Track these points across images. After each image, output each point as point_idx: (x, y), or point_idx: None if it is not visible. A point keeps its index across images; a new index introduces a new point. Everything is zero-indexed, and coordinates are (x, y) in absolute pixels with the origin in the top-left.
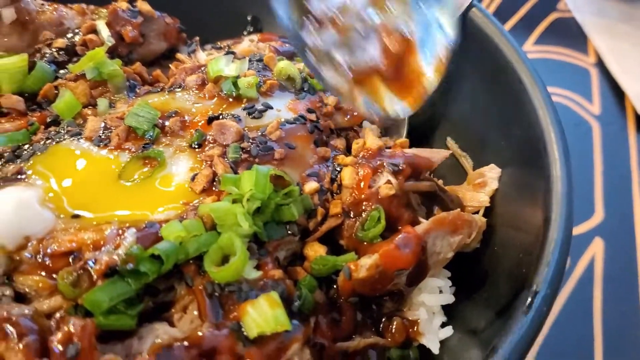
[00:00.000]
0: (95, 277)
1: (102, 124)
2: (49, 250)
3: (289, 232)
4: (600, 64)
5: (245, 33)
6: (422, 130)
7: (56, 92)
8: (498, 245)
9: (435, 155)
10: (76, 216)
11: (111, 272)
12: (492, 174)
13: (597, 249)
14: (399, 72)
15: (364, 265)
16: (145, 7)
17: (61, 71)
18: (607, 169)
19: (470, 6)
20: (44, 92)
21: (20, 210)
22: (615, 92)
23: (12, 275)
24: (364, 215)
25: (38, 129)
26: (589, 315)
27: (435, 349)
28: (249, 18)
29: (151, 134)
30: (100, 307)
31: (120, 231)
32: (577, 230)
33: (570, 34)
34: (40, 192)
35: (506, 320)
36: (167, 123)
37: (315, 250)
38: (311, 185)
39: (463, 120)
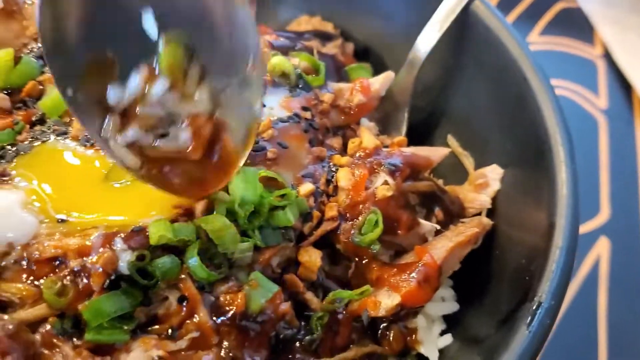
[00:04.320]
0: (93, 287)
1: None
2: (33, 257)
3: (285, 237)
4: (607, 56)
5: None
6: (422, 128)
7: (41, 87)
8: (500, 248)
9: (434, 153)
10: (62, 220)
11: (112, 283)
12: (494, 174)
13: (602, 248)
14: (212, 152)
15: (384, 307)
16: None
17: (46, 67)
18: (614, 165)
19: None
20: (28, 90)
21: (2, 217)
22: (622, 85)
23: None
24: (360, 219)
25: (23, 128)
26: (594, 317)
27: (434, 357)
28: None
29: None
30: (102, 317)
31: (107, 237)
32: (582, 229)
33: (576, 24)
34: (23, 196)
35: (508, 332)
36: None
37: (310, 256)
38: (306, 187)
39: (464, 118)
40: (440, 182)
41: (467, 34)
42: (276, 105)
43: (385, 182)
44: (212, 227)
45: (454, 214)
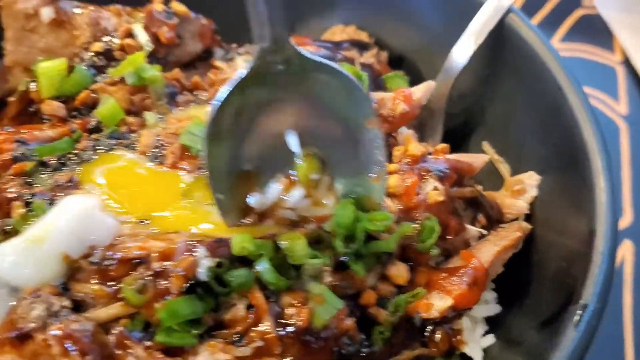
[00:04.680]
0: (172, 289)
1: (156, 140)
2: (116, 257)
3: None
4: (627, 63)
5: None
6: (457, 134)
7: (94, 95)
8: (539, 252)
9: (475, 160)
10: (142, 221)
11: (189, 288)
12: (531, 181)
13: (626, 251)
14: None
15: (436, 309)
16: (181, 7)
17: (99, 77)
18: (635, 170)
19: (508, 11)
20: (82, 99)
21: (85, 219)
22: None
23: (68, 283)
24: (417, 225)
25: (81, 137)
26: (619, 318)
27: (478, 357)
28: None
29: None
30: (176, 318)
31: (191, 243)
32: None
33: (595, 31)
34: (99, 200)
35: (555, 333)
36: None
37: (399, 269)
38: (390, 204)
39: (500, 125)
40: (480, 188)
41: (502, 44)
42: None
43: (435, 188)
44: (284, 237)
45: (493, 219)
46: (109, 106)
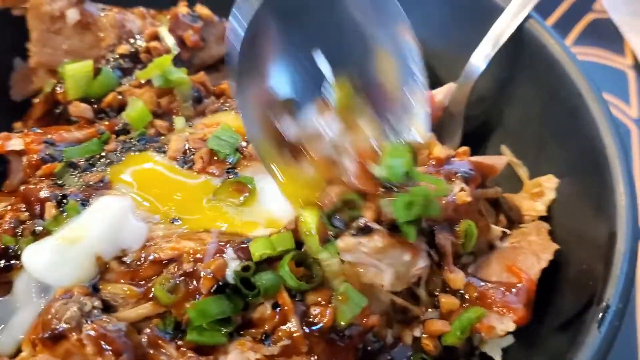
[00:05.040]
0: (202, 289)
1: (185, 145)
2: (150, 258)
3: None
4: (638, 66)
5: None
6: (475, 137)
7: (120, 98)
8: (558, 254)
9: (496, 161)
10: (174, 221)
11: (219, 288)
12: (549, 184)
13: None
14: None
15: (498, 332)
16: (205, 11)
17: (124, 79)
18: None
19: (527, 17)
20: (109, 101)
21: (120, 220)
22: None
23: (97, 284)
24: (457, 229)
25: (109, 138)
26: (632, 322)
27: (497, 357)
28: None
29: (233, 158)
30: (206, 318)
31: (220, 245)
32: None
33: (606, 35)
34: (131, 202)
35: (576, 334)
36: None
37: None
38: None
39: (517, 129)
40: (499, 190)
41: (521, 49)
42: None
43: (462, 189)
44: (305, 228)
45: (513, 220)
46: (138, 109)
